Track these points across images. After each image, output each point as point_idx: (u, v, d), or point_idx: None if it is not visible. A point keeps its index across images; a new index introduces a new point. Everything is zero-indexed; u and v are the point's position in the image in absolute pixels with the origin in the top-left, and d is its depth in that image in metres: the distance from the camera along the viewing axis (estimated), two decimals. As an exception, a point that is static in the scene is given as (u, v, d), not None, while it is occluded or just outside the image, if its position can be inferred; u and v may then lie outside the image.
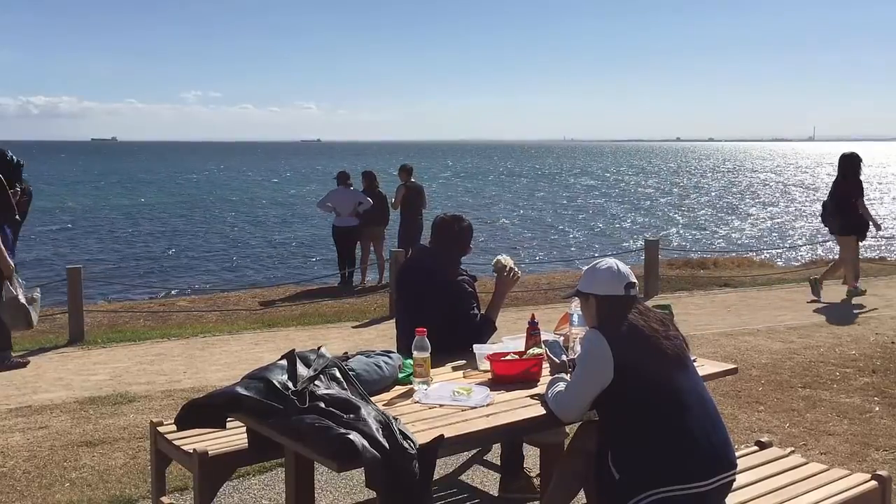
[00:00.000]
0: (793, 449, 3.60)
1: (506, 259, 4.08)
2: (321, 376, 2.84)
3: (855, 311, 9.04)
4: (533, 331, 3.51)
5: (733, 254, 18.86)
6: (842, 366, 6.49)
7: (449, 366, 3.51)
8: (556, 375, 3.05)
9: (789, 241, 24.70)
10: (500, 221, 30.39)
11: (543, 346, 3.38)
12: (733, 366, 3.62)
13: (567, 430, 3.44)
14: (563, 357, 3.20)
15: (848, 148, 10.98)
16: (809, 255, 19.29)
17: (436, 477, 2.93)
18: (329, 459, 2.47)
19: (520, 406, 2.98)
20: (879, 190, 47.35)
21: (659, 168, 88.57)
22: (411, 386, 3.17)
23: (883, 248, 21.27)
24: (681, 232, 27.86)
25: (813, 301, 9.66)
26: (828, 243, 20.94)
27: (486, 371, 3.36)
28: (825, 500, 2.95)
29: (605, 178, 67.66)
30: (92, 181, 58.67)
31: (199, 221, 30.75)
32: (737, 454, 2.86)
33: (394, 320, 7.84)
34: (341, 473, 3.37)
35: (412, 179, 12.44)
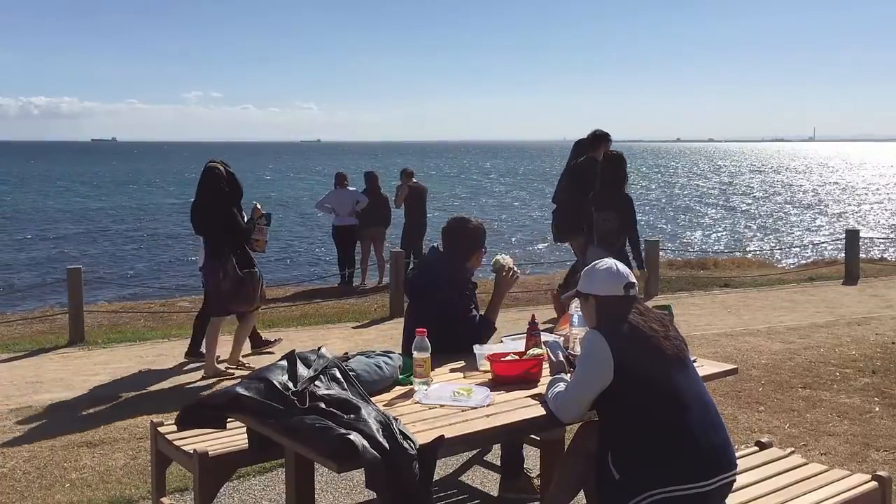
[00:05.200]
0: (793, 449, 3.60)
1: (505, 259, 4.07)
2: (321, 377, 2.85)
3: (856, 312, 9.04)
4: (533, 331, 3.51)
5: (733, 254, 18.86)
6: (842, 366, 6.49)
7: (449, 366, 3.52)
8: (556, 376, 3.06)
9: (790, 242, 24.70)
10: (499, 221, 30.40)
11: (544, 347, 3.38)
12: (733, 366, 3.62)
13: (567, 429, 3.45)
14: (562, 356, 3.20)
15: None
16: (810, 255, 19.30)
17: (436, 477, 2.93)
18: (329, 460, 2.47)
19: (520, 406, 2.98)
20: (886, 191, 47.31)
21: (659, 168, 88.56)
22: (411, 386, 3.17)
23: (882, 248, 21.26)
24: (681, 232, 27.88)
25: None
26: (826, 243, 20.94)
27: (486, 371, 3.36)
28: (825, 501, 2.95)
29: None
30: (92, 182, 58.66)
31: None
32: (737, 454, 2.87)
33: (394, 321, 7.88)
34: (341, 474, 3.37)
35: (414, 180, 12.46)
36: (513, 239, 25.70)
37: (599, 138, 7.80)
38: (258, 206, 7.05)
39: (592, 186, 7.12)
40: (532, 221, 31.05)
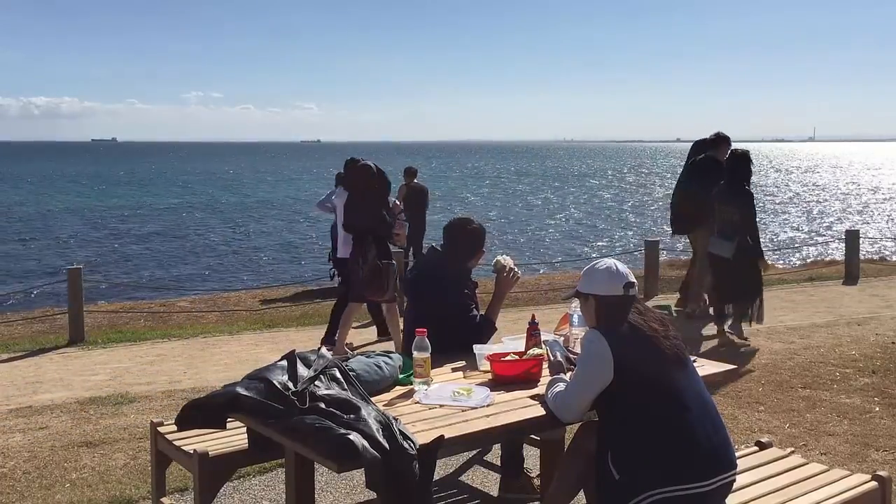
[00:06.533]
0: (793, 449, 3.60)
1: (506, 259, 4.09)
2: (321, 377, 2.85)
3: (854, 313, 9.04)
4: (533, 331, 3.51)
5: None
6: (842, 366, 6.48)
7: (449, 366, 3.52)
8: (556, 376, 3.06)
9: (789, 242, 24.68)
10: (500, 222, 30.41)
11: (544, 346, 3.38)
12: (733, 366, 3.61)
13: (567, 429, 3.45)
14: (559, 356, 3.20)
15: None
16: (811, 255, 19.28)
17: (436, 477, 2.93)
18: (329, 460, 2.47)
19: (520, 406, 2.98)
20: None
21: (660, 168, 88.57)
22: (411, 386, 3.17)
23: (882, 248, 21.25)
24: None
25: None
26: (827, 243, 20.93)
27: (486, 371, 3.36)
28: (825, 501, 2.94)
29: (605, 178, 67.69)
30: (92, 182, 58.70)
31: (199, 222, 30.78)
32: (737, 454, 2.87)
33: (394, 321, 7.88)
34: (341, 474, 3.37)
35: (415, 180, 12.45)
36: (511, 238, 25.70)
37: (721, 139, 8.35)
38: (397, 202, 7.57)
39: (713, 183, 7.58)
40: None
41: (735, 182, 7.16)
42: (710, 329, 7.73)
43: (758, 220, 7.42)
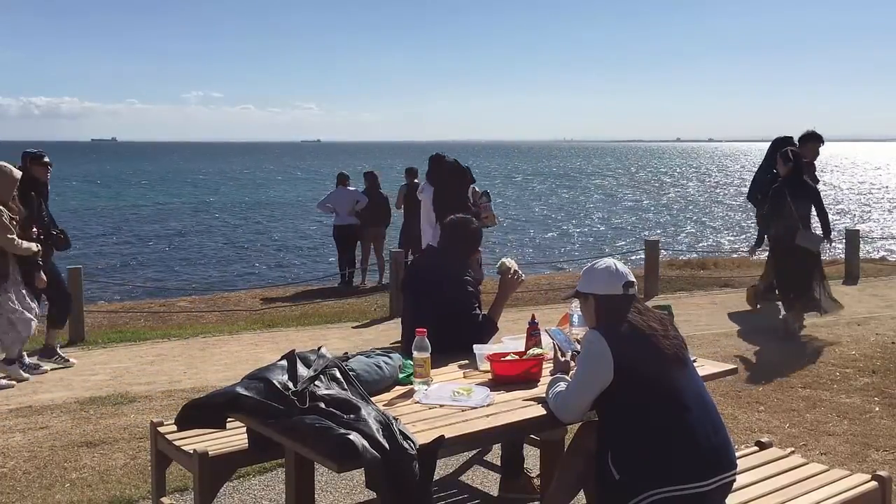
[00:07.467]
0: (793, 449, 3.60)
1: (510, 262, 4.13)
2: (321, 377, 2.85)
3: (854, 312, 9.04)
4: (533, 331, 3.52)
5: (734, 254, 18.84)
6: (842, 366, 6.48)
7: (449, 366, 3.52)
8: (557, 375, 3.06)
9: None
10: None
11: (552, 337, 3.38)
12: (733, 366, 3.62)
13: (567, 429, 3.45)
14: (569, 356, 3.20)
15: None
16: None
17: (436, 477, 2.93)
18: (329, 460, 2.48)
19: (520, 406, 2.98)
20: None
21: (659, 168, 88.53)
22: (411, 386, 3.17)
23: (883, 248, 21.24)
24: (681, 232, 27.86)
25: None
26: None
27: (486, 371, 3.37)
28: (825, 501, 2.95)
29: (605, 178, 67.67)
30: (92, 181, 58.73)
31: (200, 222, 30.77)
32: (737, 454, 2.87)
33: (394, 321, 7.90)
34: (341, 474, 3.37)
35: (416, 180, 12.43)
36: (513, 238, 25.68)
37: (811, 136, 8.87)
38: (476, 188, 7.95)
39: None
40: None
41: (800, 178, 7.70)
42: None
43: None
